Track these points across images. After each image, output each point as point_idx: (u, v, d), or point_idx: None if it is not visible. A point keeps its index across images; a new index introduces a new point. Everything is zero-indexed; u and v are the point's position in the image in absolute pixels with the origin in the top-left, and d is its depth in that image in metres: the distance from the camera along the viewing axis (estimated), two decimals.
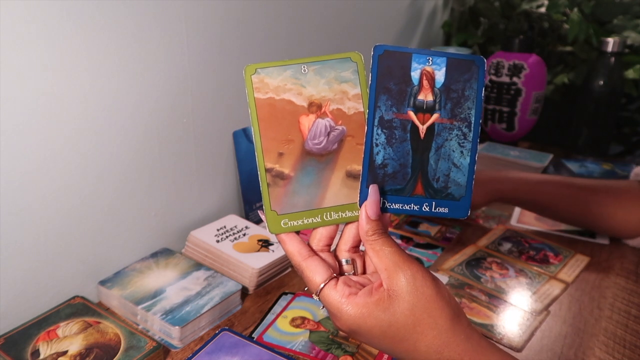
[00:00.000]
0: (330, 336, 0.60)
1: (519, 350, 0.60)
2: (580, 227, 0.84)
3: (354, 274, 0.43)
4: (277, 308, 0.65)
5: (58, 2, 0.55)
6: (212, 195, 0.83)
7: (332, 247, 0.45)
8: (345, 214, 0.43)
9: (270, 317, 0.64)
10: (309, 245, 0.43)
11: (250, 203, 0.87)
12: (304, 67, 0.42)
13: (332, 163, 0.43)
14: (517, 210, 0.93)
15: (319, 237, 0.43)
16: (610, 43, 1.10)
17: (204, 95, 0.76)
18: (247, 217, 0.87)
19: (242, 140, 0.84)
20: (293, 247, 0.42)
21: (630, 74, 1.15)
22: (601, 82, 1.13)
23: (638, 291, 0.70)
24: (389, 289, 0.39)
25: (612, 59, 1.11)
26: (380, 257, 0.40)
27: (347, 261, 0.43)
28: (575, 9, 1.20)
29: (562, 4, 1.22)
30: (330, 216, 0.43)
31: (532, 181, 0.82)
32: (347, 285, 0.41)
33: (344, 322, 0.40)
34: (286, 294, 0.68)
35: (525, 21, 1.30)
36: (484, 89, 0.42)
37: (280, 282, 0.72)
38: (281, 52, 0.89)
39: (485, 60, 0.42)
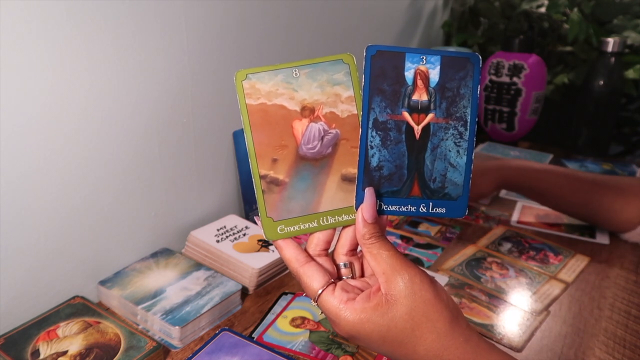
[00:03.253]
0: (330, 336, 0.60)
1: (519, 350, 0.60)
2: (579, 217, 0.85)
3: (352, 277, 0.43)
4: (277, 308, 0.65)
5: (58, 2, 0.55)
6: (212, 195, 0.83)
7: (330, 250, 0.45)
8: (342, 218, 0.42)
9: (270, 317, 0.64)
10: (306, 250, 0.43)
11: (250, 203, 0.87)
12: (295, 70, 0.42)
13: (327, 167, 0.42)
14: (517, 210, 0.93)
15: (316, 242, 0.43)
16: (610, 43, 1.10)
17: (204, 95, 0.76)
18: (247, 217, 0.87)
19: (242, 140, 0.84)
20: (290, 254, 0.42)
21: (630, 74, 1.15)
22: (601, 82, 1.13)
23: (638, 291, 0.70)
24: (387, 293, 0.39)
25: (612, 59, 1.11)
26: (378, 261, 0.40)
27: (345, 265, 0.43)
28: (575, 9, 1.20)
29: (562, 4, 1.22)
30: (327, 220, 0.42)
31: (536, 169, 0.84)
32: (344, 291, 0.40)
33: (343, 328, 0.40)
34: (286, 294, 0.68)
35: (525, 21, 1.30)
36: (480, 87, 0.42)
37: (280, 282, 0.72)
38: (280, 52, 0.89)
39: (480, 58, 0.41)
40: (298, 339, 0.60)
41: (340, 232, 0.44)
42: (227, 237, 0.74)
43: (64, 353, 0.54)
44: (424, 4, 1.36)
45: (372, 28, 1.17)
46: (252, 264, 0.68)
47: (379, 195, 0.41)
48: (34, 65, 0.55)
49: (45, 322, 0.59)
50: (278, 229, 0.42)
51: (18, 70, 0.53)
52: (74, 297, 0.63)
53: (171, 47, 0.69)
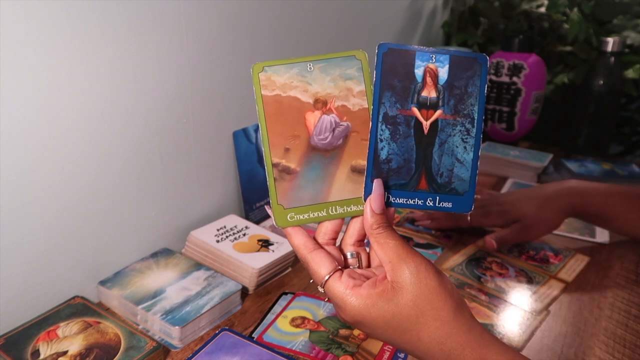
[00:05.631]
0: (330, 336, 0.60)
1: (519, 349, 0.59)
2: None
3: (359, 267, 0.44)
4: (277, 308, 0.65)
5: (58, 3, 0.55)
6: (212, 195, 0.83)
7: (338, 242, 0.45)
8: (351, 208, 0.44)
9: (270, 317, 0.64)
10: (314, 238, 0.44)
11: (250, 203, 0.87)
12: (309, 65, 0.43)
13: (337, 158, 0.44)
14: None
15: (324, 231, 0.44)
16: (610, 43, 1.10)
17: (204, 95, 0.76)
18: (247, 217, 0.87)
19: (242, 140, 0.84)
20: (299, 240, 0.43)
21: (630, 73, 1.15)
22: (601, 82, 1.13)
23: (638, 291, 0.70)
24: (393, 280, 0.40)
25: (612, 59, 1.11)
26: (385, 249, 0.40)
27: (352, 255, 0.44)
28: (575, 9, 1.20)
29: (562, 4, 1.22)
30: (336, 210, 0.43)
31: (602, 193, 0.76)
32: (351, 277, 0.41)
33: (348, 313, 0.41)
34: (286, 294, 0.68)
35: (525, 21, 1.30)
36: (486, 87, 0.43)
37: (280, 282, 0.72)
38: (281, 51, 0.89)
39: (487, 58, 0.43)
40: (298, 339, 0.60)
41: (349, 222, 0.45)
42: (227, 237, 0.74)
43: (64, 353, 0.54)
44: (424, 4, 1.36)
45: (372, 28, 1.17)
46: (252, 264, 0.68)
47: (387, 188, 0.43)
48: (33, 65, 0.54)
49: (46, 322, 0.59)
50: (288, 216, 0.43)
51: (18, 70, 0.53)
52: (74, 297, 0.63)
53: (171, 47, 0.69)
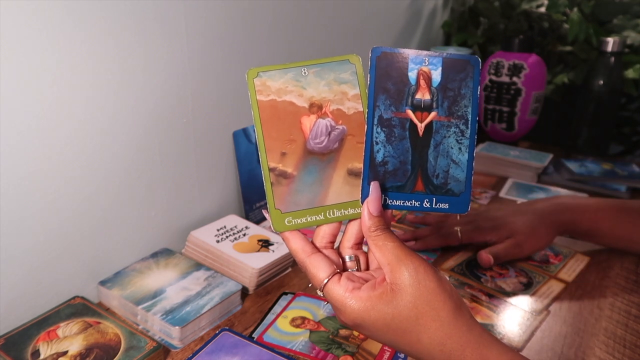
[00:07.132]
0: (330, 336, 0.60)
1: (519, 350, 0.59)
2: None
3: (358, 270, 0.44)
4: (277, 308, 0.65)
5: (59, 3, 0.55)
6: (212, 195, 0.83)
7: (336, 245, 0.45)
8: (348, 211, 0.44)
9: (270, 317, 0.64)
10: (312, 242, 0.44)
11: (250, 203, 0.87)
12: (304, 69, 0.44)
13: (333, 162, 0.44)
14: None
15: (322, 235, 0.44)
16: (610, 43, 1.10)
17: (204, 95, 0.76)
18: (247, 217, 0.87)
19: (242, 140, 0.84)
20: (297, 245, 0.43)
21: (630, 73, 1.15)
22: (601, 82, 1.13)
23: (638, 290, 0.70)
24: (392, 282, 0.40)
25: (612, 59, 1.11)
26: (383, 252, 0.40)
27: (350, 258, 0.44)
28: (575, 9, 1.20)
29: (562, 3, 1.22)
30: (333, 214, 0.44)
31: (592, 209, 0.76)
32: (350, 280, 0.41)
33: (348, 316, 0.41)
34: (286, 294, 0.68)
35: (525, 21, 1.30)
36: (480, 88, 0.43)
37: (280, 282, 0.72)
38: (282, 52, 0.89)
39: (479, 60, 0.43)
40: (298, 339, 0.60)
41: (346, 225, 0.45)
42: (227, 237, 0.74)
43: (64, 353, 0.54)
44: (424, 4, 1.36)
45: (372, 28, 1.17)
46: (252, 264, 0.68)
47: (384, 190, 0.43)
48: (34, 66, 0.55)
49: (46, 323, 0.59)
50: (285, 220, 0.43)
51: (19, 71, 0.53)
52: (74, 298, 0.63)
53: (171, 48, 0.69)
